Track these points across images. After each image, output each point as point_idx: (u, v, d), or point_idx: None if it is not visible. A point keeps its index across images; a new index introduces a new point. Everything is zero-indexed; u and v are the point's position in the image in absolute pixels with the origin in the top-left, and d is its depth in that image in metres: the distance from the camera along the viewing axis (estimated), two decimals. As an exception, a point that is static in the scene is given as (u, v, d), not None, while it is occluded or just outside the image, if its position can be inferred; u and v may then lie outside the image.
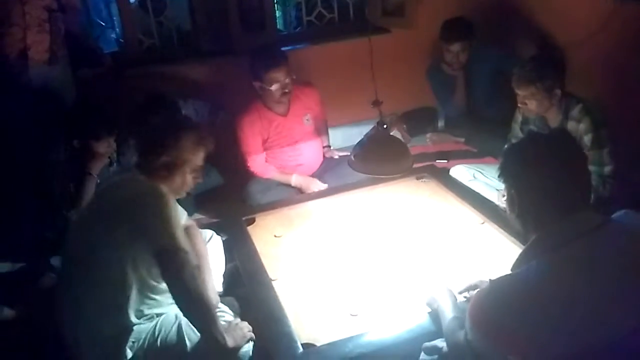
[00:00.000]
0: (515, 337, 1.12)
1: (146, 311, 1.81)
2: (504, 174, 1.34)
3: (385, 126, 2.15)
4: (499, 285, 1.21)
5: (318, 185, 2.94)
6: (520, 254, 1.29)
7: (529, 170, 1.27)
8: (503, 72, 3.31)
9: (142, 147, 1.88)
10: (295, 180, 3.00)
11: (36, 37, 2.69)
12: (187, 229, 2.07)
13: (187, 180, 1.87)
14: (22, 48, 2.66)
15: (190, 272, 1.66)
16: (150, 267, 1.73)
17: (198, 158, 1.87)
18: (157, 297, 1.81)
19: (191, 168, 1.86)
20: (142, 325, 1.79)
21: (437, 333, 1.64)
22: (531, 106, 2.44)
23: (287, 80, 2.84)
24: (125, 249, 1.70)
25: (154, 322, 1.82)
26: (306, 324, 1.82)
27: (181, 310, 1.72)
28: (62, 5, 2.83)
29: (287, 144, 3.05)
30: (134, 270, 1.72)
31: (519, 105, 2.52)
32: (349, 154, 2.28)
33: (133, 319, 1.77)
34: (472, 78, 3.41)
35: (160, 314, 1.83)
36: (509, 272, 1.28)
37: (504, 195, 1.57)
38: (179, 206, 2.08)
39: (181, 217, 2.06)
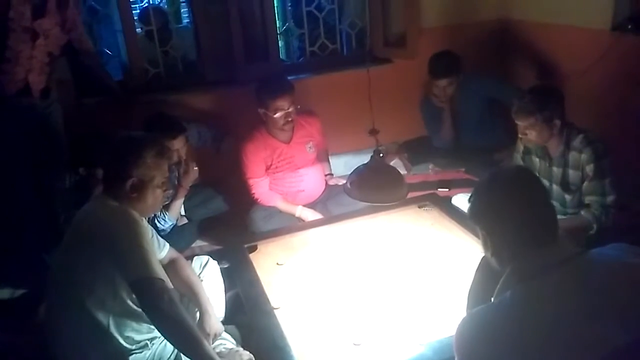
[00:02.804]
0: None
1: (137, 337, 1.77)
2: (473, 218, 1.40)
3: (381, 155, 2.17)
4: (477, 316, 1.25)
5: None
6: (498, 287, 1.34)
7: (494, 212, 1.34)
8: (496, 100, 3.36)
9: (107, 171, 1.82)
10: (300, 212, 3.00)
11: (35, 79, 2.76)
12: (173, 262, 2.07)
13: (158, 195, 1.83)
14: (20, 87, 2.72)
15: (168, 299, 1.61)
16: (131, 293, 1.70)
17: (163, 171, 1.81)
18: (144, 323, 1.76)
19: (159, 182, 1.81)
20: (138, 355, 1.76)
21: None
22: (531, 136, 2.45)
23: (290, 109, 2.87)
24: (102, 278, 1.67)
25: (151, 351, 1.79)
26: (309, 353, 1.80)
27: (164, 337, 1.69)
28: (76, 49, 2.90)
29: (290, 171, 3.06)
30: (113, 297, 1.69)
31: (519, 135, 2.54)
32: (351, 181, 2.29)
33: (124, 345, 1.74)
34: (462, 109, 3.44)
35: (152, 338, 1.81)
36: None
37: None
38: (160, 238, 2.08)
39: (162, 248, 2.05)
